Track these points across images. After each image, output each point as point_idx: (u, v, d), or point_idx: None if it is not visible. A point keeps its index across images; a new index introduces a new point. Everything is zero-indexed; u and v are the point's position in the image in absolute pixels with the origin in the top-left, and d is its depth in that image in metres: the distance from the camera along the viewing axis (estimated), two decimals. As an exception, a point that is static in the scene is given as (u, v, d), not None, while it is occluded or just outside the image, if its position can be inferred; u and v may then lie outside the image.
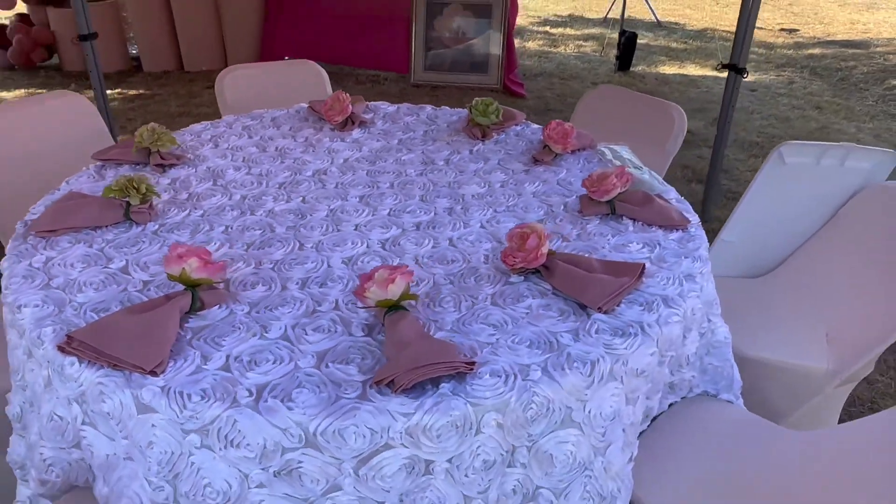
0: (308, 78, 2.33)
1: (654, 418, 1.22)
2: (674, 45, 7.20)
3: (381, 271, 0.96)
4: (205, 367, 0.90)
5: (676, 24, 8.42)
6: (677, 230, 1.30)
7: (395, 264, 1.16)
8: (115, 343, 0.90)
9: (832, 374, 1.39)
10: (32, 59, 5.41)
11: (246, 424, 0.83)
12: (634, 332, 0.99)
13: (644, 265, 1.12)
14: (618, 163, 1.55)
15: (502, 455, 0.89)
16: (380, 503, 0.88)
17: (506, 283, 1.12)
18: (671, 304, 1.06)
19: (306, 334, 0.97)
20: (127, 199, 1.28)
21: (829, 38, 7.81)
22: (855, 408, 2.01)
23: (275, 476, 0.84)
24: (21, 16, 5.47)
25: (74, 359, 0.90)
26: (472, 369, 0.89)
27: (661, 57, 6.61)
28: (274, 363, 0.91)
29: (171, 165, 1.57)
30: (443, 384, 0.87)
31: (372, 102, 2.09)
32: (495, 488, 0.91)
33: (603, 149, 1.67)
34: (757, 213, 1.67)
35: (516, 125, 1.92)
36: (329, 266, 1.18)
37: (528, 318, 1.02)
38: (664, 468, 1.12)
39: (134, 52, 5.58)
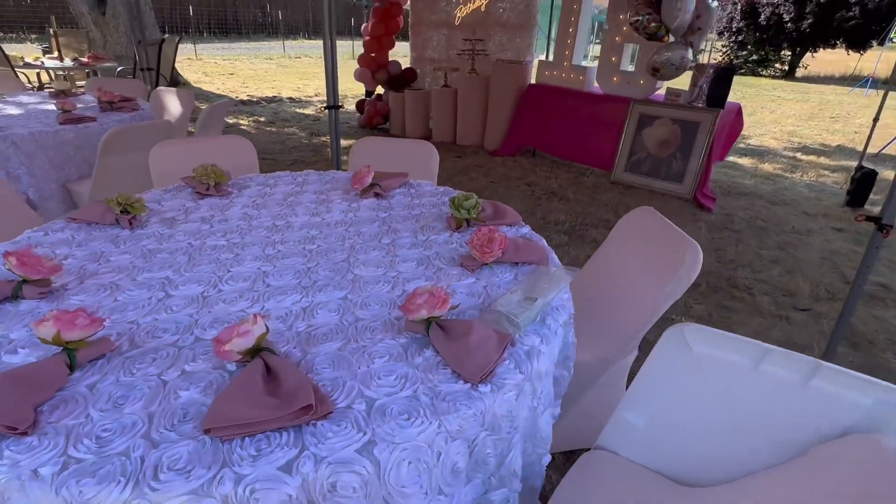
0: (423, 151, 2.00)
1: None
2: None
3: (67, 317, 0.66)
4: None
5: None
6: (466, 383, 0.73)
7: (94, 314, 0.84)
8: None
9: None
10: (373, 122, 5.99)
11: None
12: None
13: (310, 405, 0.62)
14: (517, 290, 0.96)
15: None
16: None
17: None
18: (294, 468, 0.56)
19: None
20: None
21: None
22: None
23: None
24: (378, 95, 6.04)
25: None
26: None
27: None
28: None
29: (210, 196, 1.44)
30: None
31: (416, 181, 1.69)
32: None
33: (551, 269, 1.06)
34: (660, 399, 0.89)
35: (508, 225, 1.33)
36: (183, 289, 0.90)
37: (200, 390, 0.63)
38: None
39: (431, 126, 5.77)
